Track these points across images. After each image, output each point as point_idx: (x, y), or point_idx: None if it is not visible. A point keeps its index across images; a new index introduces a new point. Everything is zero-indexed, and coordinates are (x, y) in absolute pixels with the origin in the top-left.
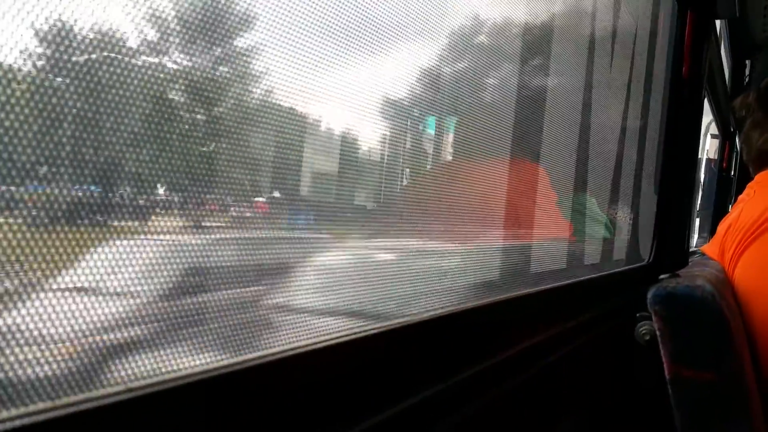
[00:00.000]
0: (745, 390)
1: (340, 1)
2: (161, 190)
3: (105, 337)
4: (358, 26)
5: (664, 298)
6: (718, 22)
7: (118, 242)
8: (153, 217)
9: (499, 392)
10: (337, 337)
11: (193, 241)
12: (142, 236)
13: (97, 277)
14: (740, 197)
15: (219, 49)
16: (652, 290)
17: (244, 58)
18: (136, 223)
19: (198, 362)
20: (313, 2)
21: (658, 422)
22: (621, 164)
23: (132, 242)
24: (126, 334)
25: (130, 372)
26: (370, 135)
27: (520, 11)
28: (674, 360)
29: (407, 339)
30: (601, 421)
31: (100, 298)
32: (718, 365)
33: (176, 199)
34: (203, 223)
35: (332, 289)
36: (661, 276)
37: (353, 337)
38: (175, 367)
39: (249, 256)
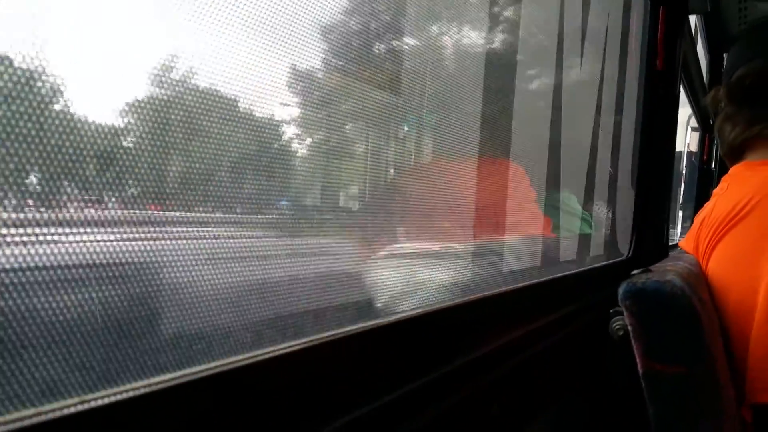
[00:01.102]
0: (719, 383)
1: None
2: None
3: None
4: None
5: (633, 294)
6: (693, 16)
7: None
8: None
9: (476, 387)
10: (317, 339)
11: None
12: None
13: None
14: (714, 191)
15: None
16: (623, 286)
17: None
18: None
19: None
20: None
21: (633, 416)
22: (598, 160)
23: None
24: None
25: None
26: (347, 137)
27: (495, 8)
28: (646, 355)
29: (388, 337)
30: (578, 415)
31: None
32: (690, 359)
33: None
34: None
35: (310, 291)
36: (633, 271)
37: (335, 337)
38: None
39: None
